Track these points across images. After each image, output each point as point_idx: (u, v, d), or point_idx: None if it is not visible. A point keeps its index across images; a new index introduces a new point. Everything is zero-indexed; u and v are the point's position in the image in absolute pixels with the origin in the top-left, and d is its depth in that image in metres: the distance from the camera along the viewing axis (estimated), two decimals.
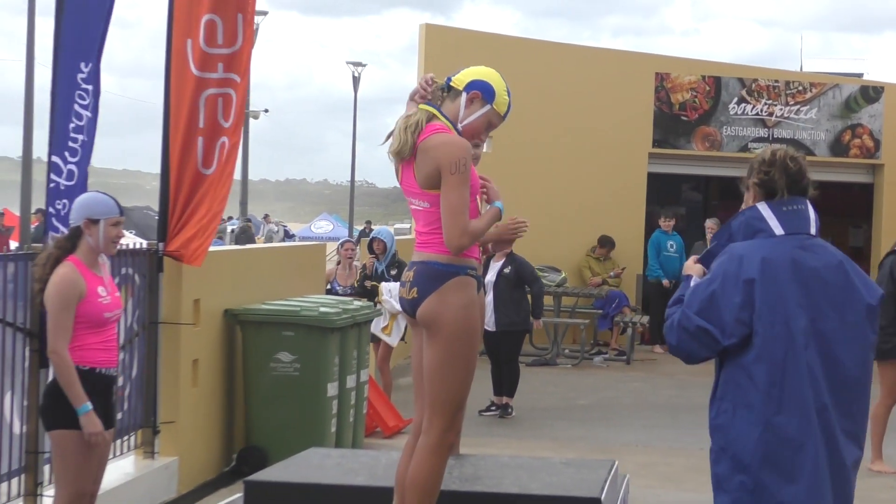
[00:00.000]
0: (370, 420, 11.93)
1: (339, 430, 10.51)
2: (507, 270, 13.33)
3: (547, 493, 6.28)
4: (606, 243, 19.51)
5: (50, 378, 6.58)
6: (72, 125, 8.40)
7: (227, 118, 9.40)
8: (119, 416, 7.04)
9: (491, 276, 13.19)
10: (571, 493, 6.28)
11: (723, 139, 20.03)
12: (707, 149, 20.05)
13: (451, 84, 5.76)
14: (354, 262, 14.08)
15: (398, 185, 5.85)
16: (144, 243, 9.53)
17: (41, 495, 7.80)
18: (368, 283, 12.97)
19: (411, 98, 5.83)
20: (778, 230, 4.75)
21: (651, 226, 19.90)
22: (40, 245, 7.64)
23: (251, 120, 45.66)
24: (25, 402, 7.75)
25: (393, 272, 13.05)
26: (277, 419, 10.11)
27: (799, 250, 4.72)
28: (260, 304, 10.49)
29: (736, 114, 20.01)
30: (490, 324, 13.15)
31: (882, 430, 10.80)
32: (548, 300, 18.05)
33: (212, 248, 9.72)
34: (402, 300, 5.75)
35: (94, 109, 8.61)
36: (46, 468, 7.73)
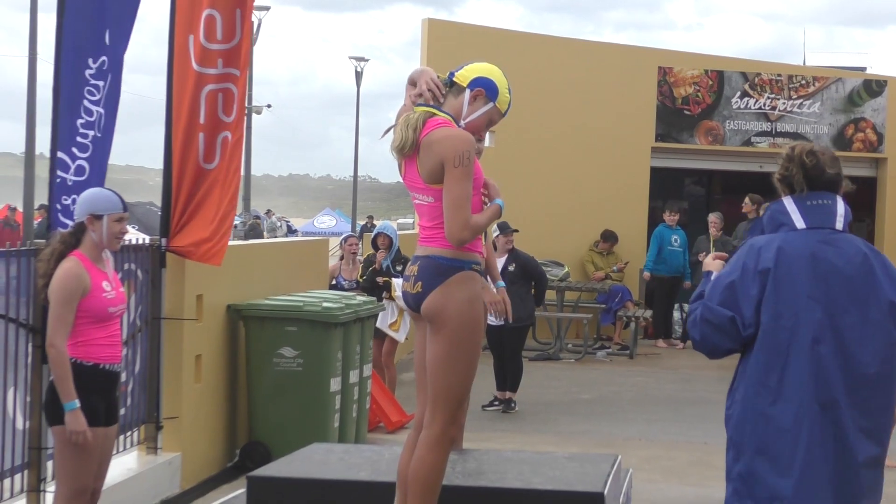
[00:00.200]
0: (373, 415, 11.93)
1: (342, 425, 10.51)
2: (511, 267, 13.32)
3: (550, 487, 6.28)
4: (609, 238, 19.50)
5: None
6: (81, 121, 8.39)
7: (229, 113, 9.40)
8: (122, 411, 7.03)
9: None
10: (574, 488, 6.28)
11: (725, 133, 20.01)
12: (710, 143, 20.03)
13: (455, 80, 5.75)
14: (358, 257, 14.05)
15: (401, 181, 5.85)
16: (147, 239, 9.52)
17: (44, 491, 7.80)
18: (380, 279, 12.88)
19: (410, 83, 5.82)
20: (800, 223, 4.77)
21: (654, 220, 19.89)
22: (43, 241, 7.63)
23: (254, 115, 45.72)
24: (28, 398, 7.75)
25: (399, 268, 13.02)
26: (280, 414, 10.11)
27: (820, 244, 4.72)
28: (263, 299, 10.49)
29: (739, 108, 19.99)
30: (494, 319, 13.12)
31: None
32: (551, 295, 18.05)
33: None
34: (405, 294, 5.75)
35: (110, 105, 8.60)
36: (49, 464, 7.73)
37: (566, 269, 18.78)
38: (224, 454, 10.25)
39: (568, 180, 19.56)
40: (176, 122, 9.36)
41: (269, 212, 58.83)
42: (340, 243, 14.24)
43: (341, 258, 13.81)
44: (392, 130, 5.78)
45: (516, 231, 13.55)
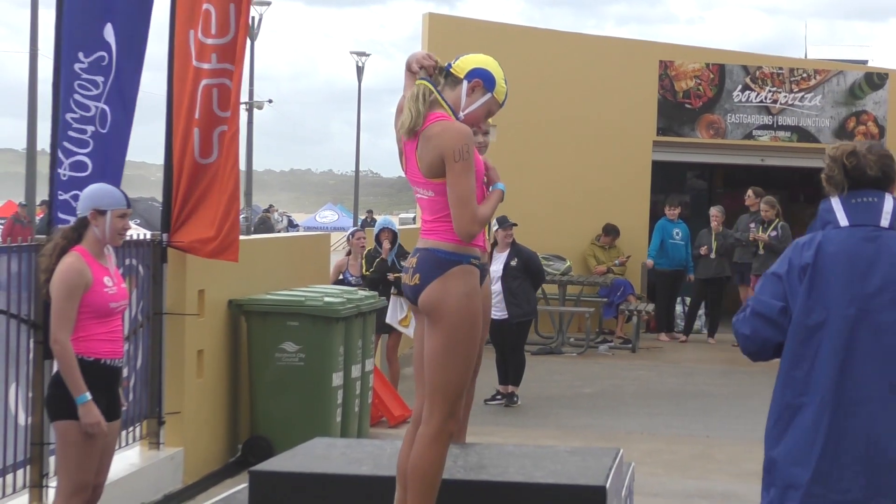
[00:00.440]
0: (375, 410, 11.93)
1: (345, 419, 10.52)
2: (513, 262, 13.33)
3: (552, 481, 6.27)
4: (611, 231, 19.49)
5: (55, 369, 6.58)
6: (73, 115, 8.38)
7: (225, 108, 9.37)
8: (124, 406, 7.03)
9: (497, 267, 13.17)
10: (576, 482, 6.28)
11: (727, 127, 20.00)
12: (711, 136, 20.02)
13: (452, 71, 5.75)
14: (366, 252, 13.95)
15: (403, 175, 5.85)
16: (148, 234, 9.52)
17: (46, 486, 7.81)
18: (391, 276, 12.80)
19: (408, 68, 5.82)
20: (843, 221, 4.78)
21: (655, 214, 19.89)
22: (45, 236, 7.63)
23: (255, 110, 45.70)
24: (30, 394, 7.76)
25: (403, 263, 12.98)
26: (282, 409, 10.11)
27: (862, 241, 4.73)
28: (264, 294, 10.50)
29: (740, 101, 19.97)
30: (497, 313, 13.13)
31: None
32: (553, 289, 18.07)
33: None
34: (404, 286, 5.75)
35: (118, 102, 8.58)
36: (52, 459, 7.73)
37: (568, 263, 18.78)
38: (226, 449, 10.26)
39: (569, 175, 19.55)
40: (176, 117, 9.36)
41: (270, 207, 58.81)
42: (348, 238, 13.97)
43: (348, 253, 13.60)
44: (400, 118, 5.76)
45: (515, 225, 13.55)
